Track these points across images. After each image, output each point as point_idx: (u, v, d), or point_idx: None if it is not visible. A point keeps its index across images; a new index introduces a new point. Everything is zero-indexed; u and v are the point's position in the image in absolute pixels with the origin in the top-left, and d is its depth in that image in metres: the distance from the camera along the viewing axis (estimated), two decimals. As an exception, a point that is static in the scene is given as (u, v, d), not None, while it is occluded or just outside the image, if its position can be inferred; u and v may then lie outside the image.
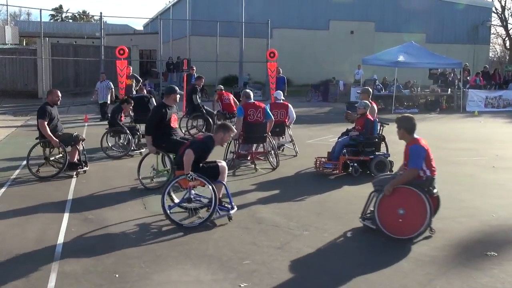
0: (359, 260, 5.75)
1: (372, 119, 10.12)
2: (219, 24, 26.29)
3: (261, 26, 27.23)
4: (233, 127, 7.48)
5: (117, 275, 5.19)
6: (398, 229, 6.24)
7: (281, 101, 12.21)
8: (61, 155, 9.65)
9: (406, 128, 6.45)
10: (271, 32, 27.56)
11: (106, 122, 14.04)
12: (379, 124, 10.36)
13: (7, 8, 44.53)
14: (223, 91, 15.78)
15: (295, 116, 12.70)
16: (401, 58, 23.25)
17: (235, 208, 6.94)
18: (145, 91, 17.12)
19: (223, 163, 7.33)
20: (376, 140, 10.09)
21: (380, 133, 10.39)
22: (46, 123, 9.22)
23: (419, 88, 26.33)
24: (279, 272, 5.25)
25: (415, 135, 6.45)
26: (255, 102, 10.75)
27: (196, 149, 6.78)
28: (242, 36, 27.62)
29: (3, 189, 8.49)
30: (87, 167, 9.82)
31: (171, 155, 8.55)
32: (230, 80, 29.65)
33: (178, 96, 8.83)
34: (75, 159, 9.61)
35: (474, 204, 8.13)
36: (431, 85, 27.39)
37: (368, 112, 10.10)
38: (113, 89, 18.99)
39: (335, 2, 36.09)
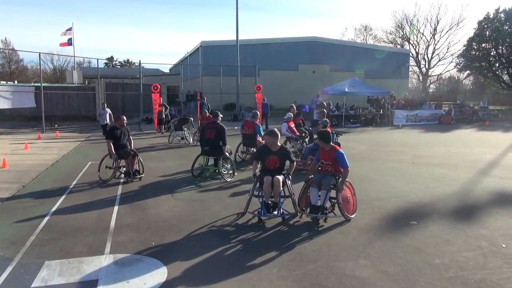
0: (324, 230, 5.75)
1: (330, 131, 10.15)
2: (222, 67, 26.32)
3: (251, 69, 27.26)
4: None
5: (153, 243, 5.16)
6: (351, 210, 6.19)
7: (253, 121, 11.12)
8: (124, 165, 8.97)
9: (324, 139, 6.29)
10: (258, 73, 27.59)
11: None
12: (335, 135, 10.45)
13: (74, 58, 44.32)
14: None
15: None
16: (347, 89, 23.55)
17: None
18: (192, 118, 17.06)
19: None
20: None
21: (336, 140, 10.48)
22: (111, 142, 8.74)
23: (360, 109, 26.49)
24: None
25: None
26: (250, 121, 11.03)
27: None
28: (238, 75, 27.67)
29: (72, 184, 8.41)
30: (143, 174, 9.00)
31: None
32: (230, 106, 29.70)
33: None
34: (133, 169, 8.89)
35: (400, 188, 8.15)
36: (369, 107, 27.53)
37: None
38: (111, 114, 17.94)
39: (302, 52, 36.45)
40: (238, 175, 9.33)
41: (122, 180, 8.69)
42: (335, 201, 6.01)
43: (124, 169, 8.90)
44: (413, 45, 52.25)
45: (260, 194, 6.26)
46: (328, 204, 6.09)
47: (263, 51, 34.89)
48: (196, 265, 4.52)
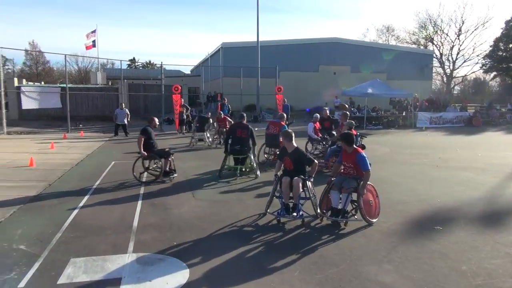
0: (346, 234, 5.68)
1: (355, 134, 10.04)
2: (243, 68, 26.39)
3: (271, 70, 27.24)
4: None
5: (175, 243, 5.20)
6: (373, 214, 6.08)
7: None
8: (156, 165, 9.07)
9: (347, 141, 6.18)
10: (278, 74, 27.56)
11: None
12: (359, 137, 10.31)
13: (98, 60, 45.39)
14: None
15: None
16: (369, 91, 23.21)
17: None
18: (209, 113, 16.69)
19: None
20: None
21: (361, 142, 10.33)
22: (143, 139, 8.80)
23: (382, 111, 26.12)
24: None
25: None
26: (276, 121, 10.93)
27: None
28: (258, 76, 27.69)
29: (96, 183, 8.57)
30: (176, 173, 9.13)
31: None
32: (250, 107, 29.74)
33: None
34: (167, 168, 9.02)
35: (424, 192, 7.98)
36: (391, 109, 27.11)
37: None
38: (129, 114, 18.61)
39: (322, 53, 36.20)
40: (260, 176, 9.34)
41: (144, 180, 8.78)
42: (357, 204, 5.93)
43: (157, 168, 9.05)
44: (437, 45, 51.15)
45: (280, 195, 6.24)
46: (349, 208, 6.01)
47: (283, 52, 34.82)
48: (217, 266, 4.53)
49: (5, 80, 20.73)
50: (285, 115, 11.71)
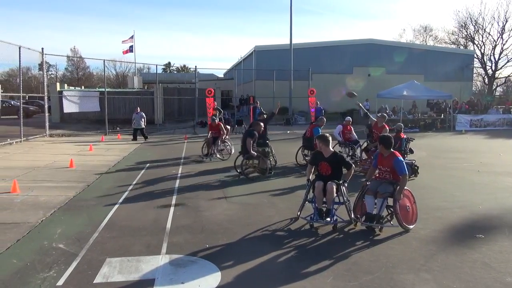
0: (381, 240, 5.51)
1: (402, 137, 9.82)
2: (275, 71, 26.37)
3: (304, 72, 27.09)
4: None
5: (207, 245, 5.21)
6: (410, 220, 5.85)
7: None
8: (257, 163, 9.82)
9: (385, 144, 5.98)
10: (311, 76, 27.36)
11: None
12: (406, 141, 10.01)
13: (135, 65, 46.78)
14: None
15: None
16: (405, 93, 22.57)
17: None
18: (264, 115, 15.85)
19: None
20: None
21: (408, 146, 10.06)
22: (252, 141, 9.63)
23: (419, 114, 25.33)
24: (320, 246, 5.08)
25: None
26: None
27: None
28: (291, 79, 27.61)
29: (132, 185, 8.78)
30: (272, 172, 9.97)
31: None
32: (283, 110, 29.64)
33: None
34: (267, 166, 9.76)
35: (465, 198, 7.64)
36: (428, 111, 26.25)
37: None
38: (145, 118, 18.66)
39: (357, 54, 35.57)
40: (292, 180, 9.30)
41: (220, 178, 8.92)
42: (393, 210, 5.74)
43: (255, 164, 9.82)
44: (478, 45, 49.05)
45: (313, 199, 6.14)
46: (385, 213, 5.83)
47: (316, 55, 34.52)
48: (249, 270, 4.49)
49: (48, 85, 21.73)
50: (324, 119, 11.59)
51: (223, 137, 13.33)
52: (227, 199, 7.63)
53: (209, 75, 52.06)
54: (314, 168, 6.38)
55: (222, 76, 58.29)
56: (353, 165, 6.31)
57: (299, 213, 6.27)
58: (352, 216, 5.97)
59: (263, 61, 34.06)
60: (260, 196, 7.88)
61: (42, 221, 6.16)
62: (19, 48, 16.18)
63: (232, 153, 12.93)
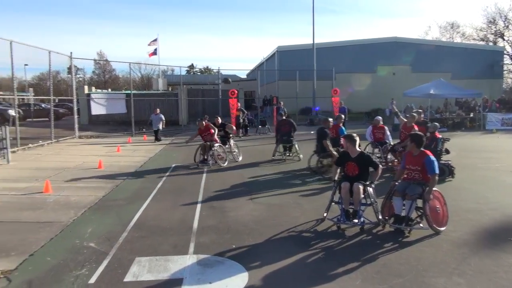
0: (411, 242, 5.39)
1: (437, 136, 9.59)
2: (299, 71, 26.24)
3: (327, 72, 26.87)
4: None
5: (233, 246, 5.23)
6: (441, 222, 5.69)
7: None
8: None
9: (417, 142, 5.83)
10: (334, 76, 27.10)
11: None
12: (441, 141, 9.73)
13: (159, 67, 47.60)
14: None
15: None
16: (432, 91, 22.03)
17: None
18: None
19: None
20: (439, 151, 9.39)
21: (443, 146, 9.79)
22: (328, 140, 9.73)
23: (448, 113, 24.68)
24: (348, 247, 5.03)
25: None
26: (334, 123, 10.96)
27: None
28: (314, 79, 27.42)
29: (158, 185, 8.90)
30: None
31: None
32: (306, 110, 29.49)
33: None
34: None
35: (497, 200, 7.38)
36: (457, 110, 25.54)
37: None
38: (164, 120, 18.57)
39: (380, 53, 35.01)
40: (317, 181, 9.22)
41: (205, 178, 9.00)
42: (423, 211, 5.60)
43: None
44: (508, 41, 47.43)
45: (339, 200, 6.07)
46: (414, 215, 5.70)
47: (339, 54, 34.18)
48: (276, 271, 4.48)
49: (77, 88, 22.35)
50: (342, 116, 11.52)
51: (229, 141, 12.48)
52: (253, 200, 7.64)
53: (232, 76, 52.23)
54: (340, 169, 6.31)
55: (245, 77, 58.48)
56: (380, 165, 6.19)
57: (325, 214, 6.21)
58: (380, 217, 5.87)
59: (286, 61, 33.98)
60: (286, 197, 7.85)
61: (73, 220, 6.33)
62: (49, 52, 16.73)
63: (240, 160, 12.23)
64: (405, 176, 5.95)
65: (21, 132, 14.73)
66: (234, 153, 12.44)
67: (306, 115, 27.69)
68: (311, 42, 28.06)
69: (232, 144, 12.67)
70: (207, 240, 5.43)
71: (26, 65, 26.56)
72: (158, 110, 18.63)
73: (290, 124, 12.34)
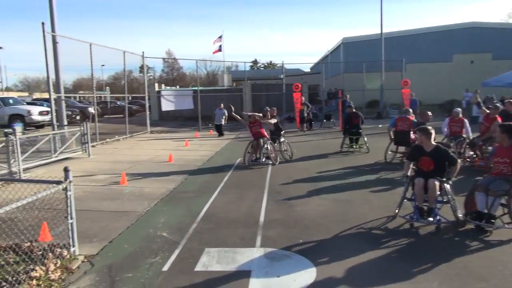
0: (496, 244, 4.96)
1: None
2: (365, 63, 25.32)
3: (396, 63, 25.63)
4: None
5: (300, 240, 5.19)
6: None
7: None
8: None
9: (509, 132, 5.35)
10: (404, 66, 25.74)
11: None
12: None
13: (223, 63, 48.64)
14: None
15: None
16: (518, 80, 20.05)
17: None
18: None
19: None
20: None
21: None
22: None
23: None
24: (423, 247, 4.75)
25: None
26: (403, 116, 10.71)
27: None
28: (382, 70, 26.32)
29: (224, 179, 9.10)
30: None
31: None
32: (374, 103, 28.45)
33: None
34: None
35: None
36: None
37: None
38: (226, 115, 18.38)
39: (457, 40, 32.63)
40: (385, 177, 8.87)
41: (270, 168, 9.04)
42: (508, 209, 5.12)
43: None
44: None
45: (412, 197, 5.76)
46: (499, 212, 5.24)
47: (410, 43, 32.46)
48: (345, 268, 4.36)
49: (148, 85, 23.62)
50: (410, 110, 10.92)
51: (280, 138, 11.64)
52: (319, 195, 7.52)
53: (295, 70, 51.96)
54: (413, 164, 5.98)
55: (309, 70, 57.82)
56: (458, 160, 5.77)
57: (397, 211, 5.94)
58: (460, 215, 5.47)
59: (352, 53, 33.02)
60: (353, 192, 7.63)
61: (147, 210, 6.69)
62: (124, 53, 17.81)
63: (290, 159, 11.42)
64: (494, 171, 5.48)
65: (99, 128, 15.89)
66: (284, 151, 11.57)
67: (373, 108, 26.70)
68: (378, 32, 26.95)
69: (282, 142, 11.77)
70: (274, 234, 5.44)
71: (103, 65, 28.51)
72: (222, 105, 18.98)
73: (360, 117, 12.70)
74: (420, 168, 5.83)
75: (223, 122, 18.68)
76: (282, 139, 11.88)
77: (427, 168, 5.72)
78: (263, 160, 10.74)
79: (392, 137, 10.42)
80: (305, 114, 20.12)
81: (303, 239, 5.21)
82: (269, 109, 12.37)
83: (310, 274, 4.24)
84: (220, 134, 18.49)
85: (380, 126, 19.30)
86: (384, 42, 26.42)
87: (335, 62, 38.22)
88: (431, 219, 5.44)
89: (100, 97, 46.82)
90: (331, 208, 6.60)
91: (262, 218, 6.13)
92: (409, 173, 5.90)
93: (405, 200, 5.87)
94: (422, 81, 29.69)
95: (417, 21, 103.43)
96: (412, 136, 9.77)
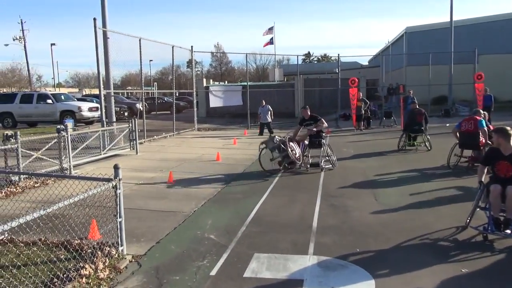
0: None
1: None
2: (432, 55, 24.23)
3: (467, 54, 24.32)
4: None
5: (357, 249, 5.07)
6: None
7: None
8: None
9: None
10: (477, 58, 24.35)
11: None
12: None
13: (275, 57, 48.73)
14: None
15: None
16: None
17: None
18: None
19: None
20: None
21: None
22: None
23: None
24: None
25: None
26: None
27: None
28: (451, 63, 25.07)
29: (275, 180, 9.10)
30: None
31: None
32: (441, 99, 27.16)
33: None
34: None
35: None
36: None
37: None
38: (271, 111, 18.09)
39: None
40: (452, 182, 8.47)
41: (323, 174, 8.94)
42: None
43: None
44: None
45: (487, 206, 5.43)
46: None
47: (484, 32, 30.68)
48: (408, 283, 4.20)
49: (196, 81, 24.19)
50: (481, 111, 10.20)
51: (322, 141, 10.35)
52: (378, 200, 7.32)
53: (352, 63, 51.02)
54: (488, 169, 5.63)
55: (367, 63, 56.49)
56: None
57: (468, 221, 5.63)
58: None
59: (416, 44, 31.83)
60: (416, 198, 7.34)
61: (194, 211, 6.85)
62: (172, 47, 18.38)
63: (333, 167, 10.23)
64: None
65: (146, 124, 16.54)
66: (329, 157, 10.24)
67: (440, 105, 25.52)
68: (446, 20, 25.75)
69: (326, 147, 10.37)
70: (328, 241, 5.37)
71: (151, 60, 29.57)
72: (264, 102, 18.45)
73: (423, 115, 12.64)
74: (497, 173, 5.48)
75: (269, 120, 18.23)
76: (324, 142, 10.46)
77: (505, 174, 5.37)
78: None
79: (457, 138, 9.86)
80: (362, 112, 19.64)
81: (360, 248, 5.09)
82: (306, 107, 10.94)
83: (368, 286, 4.13)
84: (261, 133, 18.15)
85: (447, 125, 18.38)
86: (454, 31, 25.13)
87: (397, 54, 36.97)
88: (508, 231, 5.11)
89: (148, 93, 48.72)
90: (392, 215, 6.40)
91: (315, 223, 6.06)
92: (483, 179, 5.57)
93: (478, 209, 5.55)
94: (498, 75, 27.93)
95: (491, 6, 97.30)
96: (482, 138, 9.24)
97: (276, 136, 10.37)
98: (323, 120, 10.53)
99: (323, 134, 10.62)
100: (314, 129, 10.42)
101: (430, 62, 23.93)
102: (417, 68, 28.05)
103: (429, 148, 12.42)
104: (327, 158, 10.25)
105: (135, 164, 11.27)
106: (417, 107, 13.17)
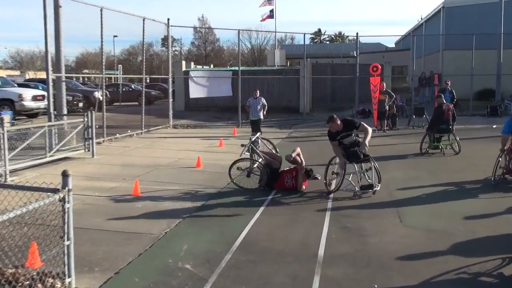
0: None
1: None
2: (476, 36, 24.41)
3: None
4: None
5: (375, 286, 5.08)
6: None
7: None
8: None
9: None
10: (535, 42, 24.63)
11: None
12: None
13: (275, 34, 48.77)
14: None
15: None
16: None
17: None
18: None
19: None
20: None
21: None
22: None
23: None
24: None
25: None
26: None
27: None
28: (501, 48, 25.26)
29: (272, 193, 9.12)
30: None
31: None
32: (486, 93, 27.29)
33: None
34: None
35: None
36: None
37: None
38: (266, 105, 16.83)
39: None
40: (498, 200, 8.53)
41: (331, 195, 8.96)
42: None
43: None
44: None
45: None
46: None
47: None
48: (439, 329, 4.22)
49: (173, 63, 24.12)
50: None
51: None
52: (403, 221, 7.37)
53: (374, 45, 51.45)
54: None
55: (393, 46, 56.87)
56: None
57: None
58: None
59: (456, 23, 32.09)
60: (452, 220, 7.39)
61: (166, 233, 6.84)
62: (143, 20, 18.35)
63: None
64: None
65: (107, 119, 16.46)
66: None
67: (485, 101, 25.68)
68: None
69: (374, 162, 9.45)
70: (338, 274, 5.37)
71: (116, 36, 29.63)
72: (257, 92, 17.02)
73: (451, 110, 13.42)
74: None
75: (261, 116, 17.00)
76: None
77: None
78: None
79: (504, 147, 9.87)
80: (386, 107, 19.69)
81: (379, 285, 5.10)
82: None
83: (387, 334, 4.14)
84: (255, 130, 16.70)
85: (494, 126, 18.52)
86: (504, 7, 25.32)
87: (431, 34, 37.21)
88: None
89: (110, 78, 48.68)
90: (420, 242, 6.44)
91: (321, 251, 6.07)
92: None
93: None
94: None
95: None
96: None
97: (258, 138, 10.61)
98: (365, 125, 9.29)
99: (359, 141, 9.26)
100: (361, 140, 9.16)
101: (473, 46, 24.11)
102: (456, 53, 28.31)
103: (457, 151, 13.13)
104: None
105: (91, 170, 11.24)
106: (444, 101, 13.86)
